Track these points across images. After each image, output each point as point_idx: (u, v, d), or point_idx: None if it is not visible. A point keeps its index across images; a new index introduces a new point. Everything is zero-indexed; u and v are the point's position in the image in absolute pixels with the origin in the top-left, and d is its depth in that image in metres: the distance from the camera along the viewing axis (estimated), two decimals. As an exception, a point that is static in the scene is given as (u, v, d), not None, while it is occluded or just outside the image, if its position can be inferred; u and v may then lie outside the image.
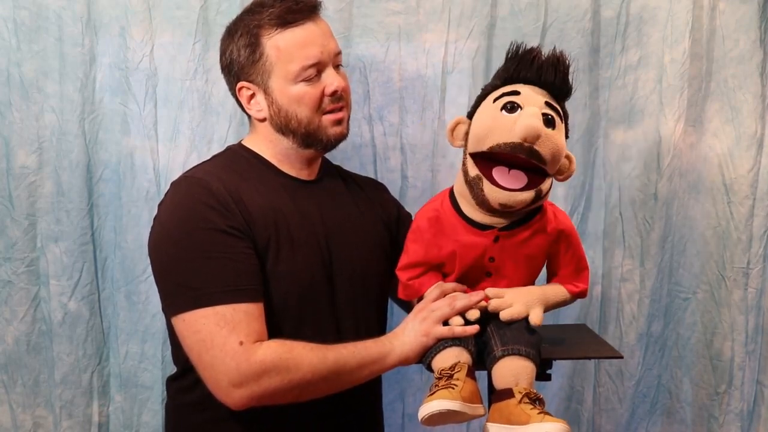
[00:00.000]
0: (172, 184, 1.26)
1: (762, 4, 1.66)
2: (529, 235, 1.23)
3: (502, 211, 1.20)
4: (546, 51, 1.20)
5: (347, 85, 1.32)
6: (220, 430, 1.25)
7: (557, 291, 1.28)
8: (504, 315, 1.20)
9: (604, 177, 1.73)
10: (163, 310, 1.24)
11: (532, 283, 1.30)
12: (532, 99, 1.16)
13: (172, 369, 1.34)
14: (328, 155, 1.42)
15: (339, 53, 1.31)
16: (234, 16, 1.33)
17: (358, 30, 1.66)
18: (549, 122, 1.15)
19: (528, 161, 1.14)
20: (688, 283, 1.75)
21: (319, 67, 1.26)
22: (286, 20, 1.25)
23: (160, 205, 1.27)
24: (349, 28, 1.65)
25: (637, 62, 1.69)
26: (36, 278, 1.66)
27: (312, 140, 1.29)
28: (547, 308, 1.25)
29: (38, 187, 1.64)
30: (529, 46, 1.21)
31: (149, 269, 1.27)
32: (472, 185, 1.19)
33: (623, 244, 1.74)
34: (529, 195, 1.17)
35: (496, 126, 1.15)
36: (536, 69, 1.18)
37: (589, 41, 1.68)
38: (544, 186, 1.19)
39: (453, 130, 1.24)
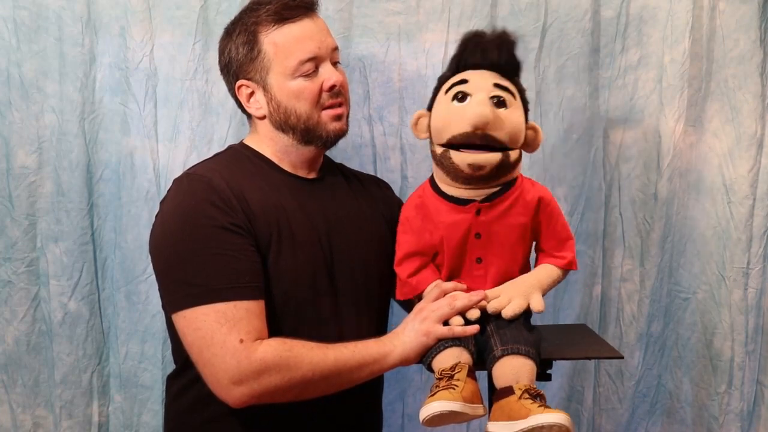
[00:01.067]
0: (174, 181, 1.26)
1: (762, 4, 1.66)
2: (509, 205, 1.25)
3: (474, 176, 1.21)
4: (485, 33, 1.25)
5: (345, 80, 1.32)
6: (220, 428, 1.25)
7: (548, 271, 1.28)
8: (507, 312, 1.20)
9: (604, 177, 1.73)
10: (164, 306, 1.24)
11: (525, 262, 1.30)
12: (480, 84, 1.20)
13: (172, 368, 1.34)
14: (328, 154, 1.42)
15: (336, 49, 1.31)
16: (234, 16, 1.33)
17: (358, 30, 1.66)
18: (500, 103, 1.19)
19: (485, 145, 1.19)
20: (688, 283, 1.75)
21: (316, 62, 1.27)
22: (283, 16, 1.25)
23: (162, 202, 1.27)
24: (349, 28, 1.65)
25: (637, 62, 1.69)
26: (36, 278, 1.66)
27: (311, 136, 1.29)
28: (544, 291, 1.26)
29: (38, 187, 1.64)
30: (474, 31, 1.26)
31: (149, 269, 1.27)
32: (442, 161, 1.23)
33: (623, 244, 1.74)
34: (495, 156, 1.19)
35: (449, 118, 1.21)
36: (480, 52, 1.22)
37: (589, 41, 1.68)
38: (512, 153, 1.22)
39: (416, 124, 1.29)
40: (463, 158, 1.20)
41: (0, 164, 1.63)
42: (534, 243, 1.32)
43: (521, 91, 1.25)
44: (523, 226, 1.27)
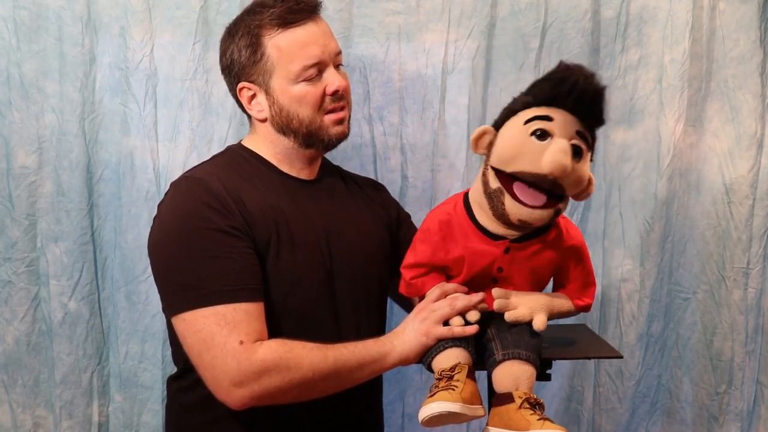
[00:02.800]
0: (171, 184, 1.26)
1: (762, 4, 1.65)
2: (539, 249, 1.22)
3: (519, 225, 1.18)
4: (584, 77, 1.14)
5: (348, 84, 1.32)
6: (221, 429, 1.25)
7: (563, 302, 1.27)
8: (509, 316, 1.19)
9: (604, 177, 1.73)
10: (164, 310, 1.24)
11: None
12: (565, 129, 1.13)
13: (172, 369, 1.34)
14: (328, 155, 1.42)
15: (339, 53, 1.31)
16: (234, 16, 1.33)
17: (358, 30, 1.66)
18: (577, 153, 1.13)
19: (550, 189, 1.14)
20: (688, 283, 1.75)
21: (320, 67, 1.26)
22: (287, 20, 1.25)
23: (160, 205, 1.27)
24: (349, 28, 1.65)
25: (637, 62, 1.69)
26: (36, 278, 1.66)
27: (313, 140, 1.30)
28: (551, 316, 1.24)
29: (38, 187, 1.64)
30: (569, 65, 1.15)
31: (149, 269, 1.27)
32: (492, 197, 1.17)
33: (623, 244, 1.74)
34: (548, 213, 1.16)
35: (524, 151, 1.12)
36: (574, 99, 1.13)
37: (589, 41, 1.68)
38: (563, 205, 1.18)
39: (478, 139, 1.19)
40: (516, 211, 1.14)
41: (0, 164, 1.63)
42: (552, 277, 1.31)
43: (593, 140, 1.19)
44: (548, 269, 1.26)
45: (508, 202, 1.15)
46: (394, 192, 1.61)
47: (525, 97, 1.18)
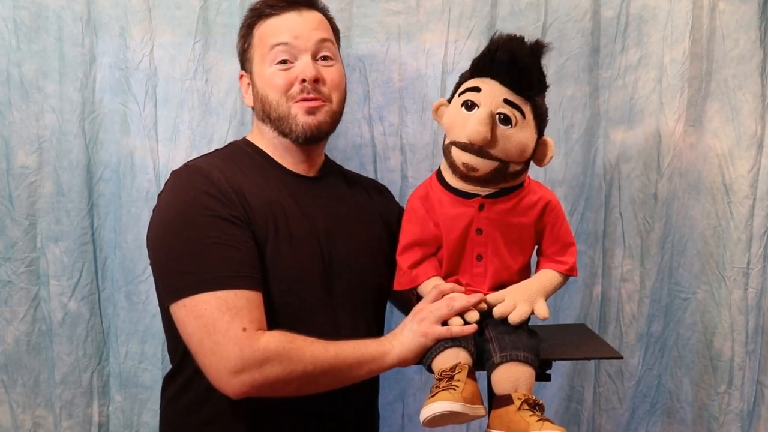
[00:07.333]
0: (172, 173, 1.26)
1: (762, 4, 1.66)
2: (514, 204, 1.25)
3: (468, 175, 1.22)
4: (507, 45, 1.18)
5: (325, 77, 1.30)
6: (217, 428, 1.24)
7: (550, 277, 1.28)
8: (513, 318, 1.20)
9: (604, 177, 1.73)
10: (162, 298, 1.23)
11: (525, 265, 1.30)
12: (490, 99, 1.19)
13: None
14: (328, 153, 1.42)
15: (323, 41, 1.30)
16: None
17: (358, 30, 1.66)
18: (506, 120, 1.18)
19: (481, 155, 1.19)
20: (688, 283, 1.75)
21: (289, 51, 1.28)
22: (270, 8, 1.30)
23: (159, 195, 1.27)
24: (349, 28, 1.65)
25: (637, 62, 1.69)
26: (36, 278, 1.66)
27: (284, 127, 1.29)
28: (547, 297, 1.26)
29: (38, 187, 1.64)
30: (501, 36, 1.20)
31: (149, 269, 1.27)
32: (446, 153, 1.25)
33: (623, 244, 1.74)
34: (491, 164, 1.19)
35: (455, 122, 1.22)
36: (497, 67, 1.19)
37: (589, 41, 1.68)
38: (512, 165, 1.21)
39: (436, 111, 1.30)
40: (459, 155, 1.21)
41: (0, 164, 1.63)
42: (536, 248, 1.32)
43: (536, 109, 1.22)
44: (526, 227, 1.27)
45: (454, 150, 1.22)
46: (393, 192, 1.61)
47: (467, 71, 1.27)
